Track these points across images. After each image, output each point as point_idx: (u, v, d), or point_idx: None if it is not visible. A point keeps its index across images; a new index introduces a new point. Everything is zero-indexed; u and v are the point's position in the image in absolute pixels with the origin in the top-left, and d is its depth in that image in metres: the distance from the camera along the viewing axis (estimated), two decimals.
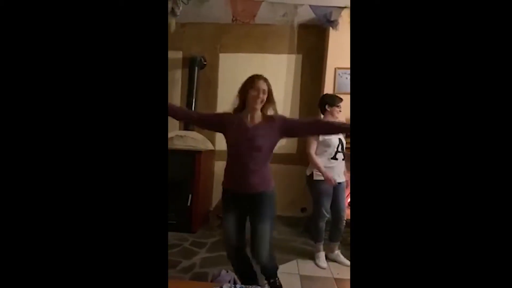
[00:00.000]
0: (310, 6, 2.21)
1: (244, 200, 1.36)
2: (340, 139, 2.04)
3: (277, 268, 1.61)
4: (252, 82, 1.30)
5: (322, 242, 2.16)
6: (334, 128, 1.41)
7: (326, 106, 2.04)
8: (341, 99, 2.07)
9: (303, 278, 1.95)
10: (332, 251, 2.18)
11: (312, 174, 2.04)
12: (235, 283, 1.21)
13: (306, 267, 2.08)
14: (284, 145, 3.10)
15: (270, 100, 1.33)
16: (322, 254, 2.14)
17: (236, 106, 1.38)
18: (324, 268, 2.07)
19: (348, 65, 2.73)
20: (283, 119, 1.35)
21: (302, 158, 2.93)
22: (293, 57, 3.06)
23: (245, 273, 1.46)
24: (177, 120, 1.70)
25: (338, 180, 2.03)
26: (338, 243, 2.19)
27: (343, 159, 2.04)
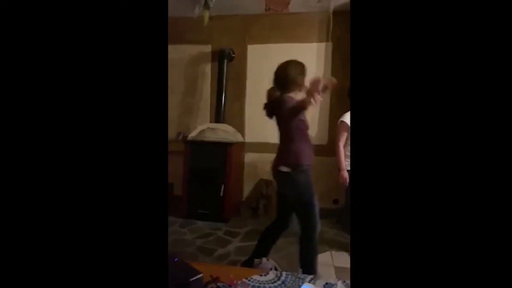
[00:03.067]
0: None
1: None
2: None
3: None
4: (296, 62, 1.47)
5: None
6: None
7: None
8: None
9: (337, 269, 1.95)
10: None
11: (344, 164, 2.01)
12: (276, 270, 1.23)
13: (340, 258, 2.07)
14: (314, 136, 3.06)
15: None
16: None
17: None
18: None
19: None
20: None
21: (333, 149, 2.87)
22: (323, 45, 2.98)
23: None
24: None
25: None
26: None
27: None
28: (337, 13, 2.78)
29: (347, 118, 2.01)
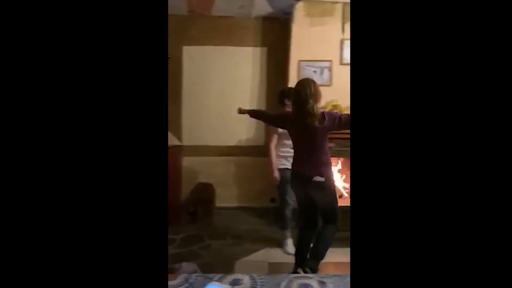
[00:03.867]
0: None
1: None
2: None
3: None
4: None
5: (289, 229, 2.22)
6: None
7: (285, 101, 2.11)
8: None
9: (271, 265, 2.01)
10: None
11: (276, 164, 2.12)
12: (195, 272, 1.22)
13: (275, 254, 2.14)
14: (251, 137, 3.13)
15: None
16: (289, 241, 2.20)
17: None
18: (291, 254, 2.13)
19: (310, 58, 2.80)
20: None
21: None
22: (258, 49, 3.07)
23: None
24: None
25: None
26: None
27: None
28: (268, 19, 2.90)
29: None
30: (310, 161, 1.60)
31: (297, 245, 1.82)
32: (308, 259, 1.70)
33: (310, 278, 0.86)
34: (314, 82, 1.62)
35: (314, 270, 1.64)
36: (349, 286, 0.80)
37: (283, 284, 0.82)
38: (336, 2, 2.70)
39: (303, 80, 1.70)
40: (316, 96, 1.59)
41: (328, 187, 1.61)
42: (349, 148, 2.37)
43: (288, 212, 2.18)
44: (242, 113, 1.95)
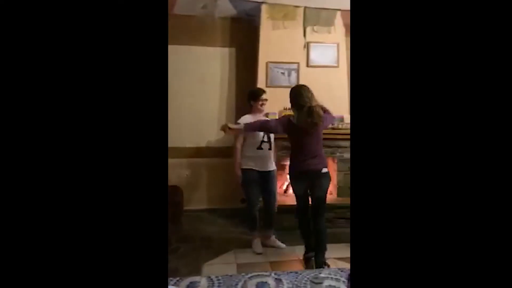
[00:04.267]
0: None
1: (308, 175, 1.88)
2: None
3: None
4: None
5: (256, 230, 2.24)
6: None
7: (251, 102, 2.17)
8: (263, 91, 2.19)
9: (239, 266, 2.00)
10: (268, 238, 2.27)
11: (239, 164, 2.15)
12: None
13: (243, 255, 2.14)
14: (221, 138, 3.10)
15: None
16: (257, 241, 2.22)
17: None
18: (260, 253, 2.15)
19: (279, 59, 2.85)
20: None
21: None
22: (226, 50, 3.06)
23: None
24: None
25: (266, 169, 2.16)
26: (273, 229, 2.29)
27: (269, 149, 2.17)
28: (236, 20, 2.91)
29: (243, 120, 2.12)
30: (317, 156, 1.85)
31: (303, 233, 1.99)
32: (317, 256, 1.89)
33: (267, 276, 0.87)
34: (308, 88, 1.85)
35: (325, 262, 1.87)
36: (303, 282, 0.82)
37: (240, 283, 0.82)
38: (298, 6, 2.78)
39: (299, 87, 1.89)
40: (314, 99, 1.84)
41: (329, 176, 1.92)
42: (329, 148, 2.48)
43: (255, 212, 2.20)
44: (228, 129, 1.94)
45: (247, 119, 2.14)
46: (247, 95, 2.26)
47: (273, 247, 2.25)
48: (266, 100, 2.18)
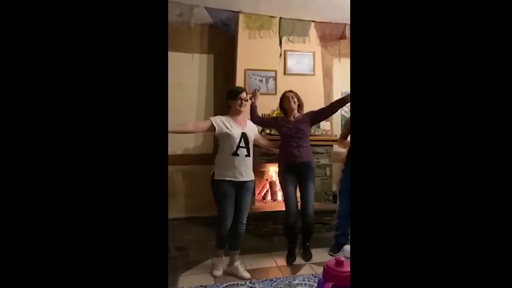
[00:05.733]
0: (206, 8, 2.25)
1: (296, 168, 2.09)
2: (243, 133, 1.85)
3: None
4: (283, 95, 2.18)
5: (223, 249, 1.90)
6: (336, 103, 2.14)
7: (229, 101, 1.92)
8: (243, 89, 1.95)
9: (217, 276, 1.96)
10: (232, 263, 1.83)
11: (213, 173, 1.87)
12: None
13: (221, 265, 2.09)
14: (200, 145, 3.07)
15: (301, 105, 2.18)
16: (220, 261, 1.87)
17: (281, 115, 2.25)
18: (217, 276, 1.74)
19: (256, 67, 2.89)
20: (311, 112, 2.16)
21: None
22: (204, 56, 3.06)
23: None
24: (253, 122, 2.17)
25: (241, 179, 1.83)
26: (238, 252, 1.87)
27: (246, 155, 1.85)
28: (214, 27, 2.92)
29: (215, 120, 1.95)
30: (307, 150, 2.10)
31: (290, 224, 2.05)
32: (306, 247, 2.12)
33: (242, 285, 0.86)
34: (296, 93, 2.17)
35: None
36: None
37: None
38: (273, 17, 2.85)
39: (288, 93, 2.17)
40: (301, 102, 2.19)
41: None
42: None
43: (225, 229, 1.83)
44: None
45: (217, 120, 1.86)
46: (226, 94, 1.99)
47: (234, 275, 1.73)
48: (246, 100, 1.91)
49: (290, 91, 2.19)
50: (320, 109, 2.20)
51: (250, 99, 2.20)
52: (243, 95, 1.90)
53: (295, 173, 2.09)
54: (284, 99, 2.16)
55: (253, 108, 2.27)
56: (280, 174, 2.17)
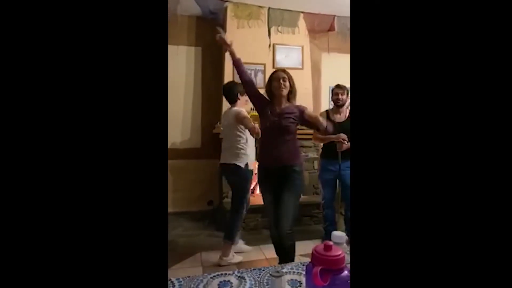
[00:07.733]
0: None
1: (274, 173, 1.59)
2: None
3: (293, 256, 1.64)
4: (272, 74, 1.63)
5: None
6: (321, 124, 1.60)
7: (238, 95, 1.97)
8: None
9: (205, 269, 1.96)
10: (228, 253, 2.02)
11: (247, 164, 2.01)
12: None
13: (210, 258, 2.09)
14: (188, 139, 3.03)
15: (293, 93, 1.61)
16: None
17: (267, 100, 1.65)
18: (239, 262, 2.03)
19: (245, 60, 2.84)
20: (305, 110, 1.61)
21: (207, 152, 2.92)
22: (192, 49, 3.00)
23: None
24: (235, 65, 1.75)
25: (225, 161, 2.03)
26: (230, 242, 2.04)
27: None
28: (203, 18, 2.86)
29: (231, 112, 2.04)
30: (291, 150, 1.60)
31: (272, 239, 1.71)
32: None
33: (230, 275, 0.85)
34: (289, 75, 1.62)
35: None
36: (266, 278, 0.82)
37: (202, 284, 0.80)
38: (262, 7, 2.82)
39: (280, 72, 1.62)
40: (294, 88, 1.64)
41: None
42: None
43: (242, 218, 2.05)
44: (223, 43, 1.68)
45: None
46: (231, 89, 1.98)
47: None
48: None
49: (283, 70, 1.65)
50: (315, 117, 1.63)
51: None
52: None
53: (273, 179, 1.61)
54: (273, 80, 1.60)
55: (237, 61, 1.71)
56: (258, 178, 1.76)
